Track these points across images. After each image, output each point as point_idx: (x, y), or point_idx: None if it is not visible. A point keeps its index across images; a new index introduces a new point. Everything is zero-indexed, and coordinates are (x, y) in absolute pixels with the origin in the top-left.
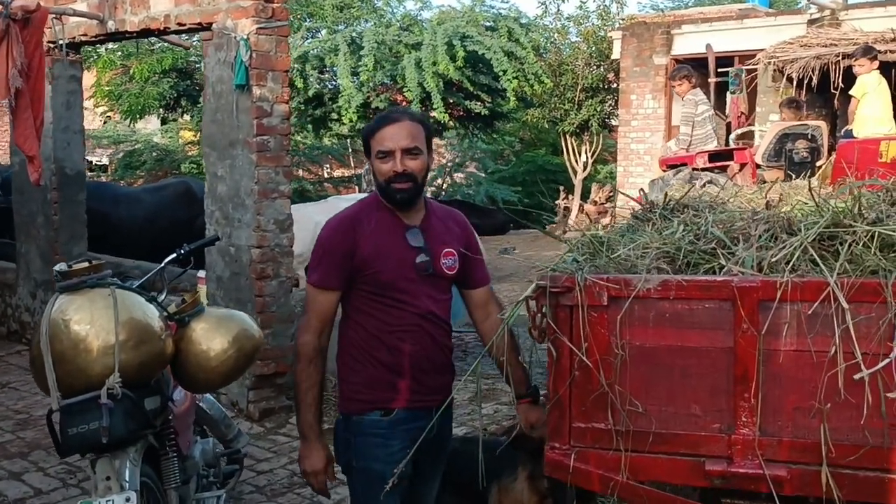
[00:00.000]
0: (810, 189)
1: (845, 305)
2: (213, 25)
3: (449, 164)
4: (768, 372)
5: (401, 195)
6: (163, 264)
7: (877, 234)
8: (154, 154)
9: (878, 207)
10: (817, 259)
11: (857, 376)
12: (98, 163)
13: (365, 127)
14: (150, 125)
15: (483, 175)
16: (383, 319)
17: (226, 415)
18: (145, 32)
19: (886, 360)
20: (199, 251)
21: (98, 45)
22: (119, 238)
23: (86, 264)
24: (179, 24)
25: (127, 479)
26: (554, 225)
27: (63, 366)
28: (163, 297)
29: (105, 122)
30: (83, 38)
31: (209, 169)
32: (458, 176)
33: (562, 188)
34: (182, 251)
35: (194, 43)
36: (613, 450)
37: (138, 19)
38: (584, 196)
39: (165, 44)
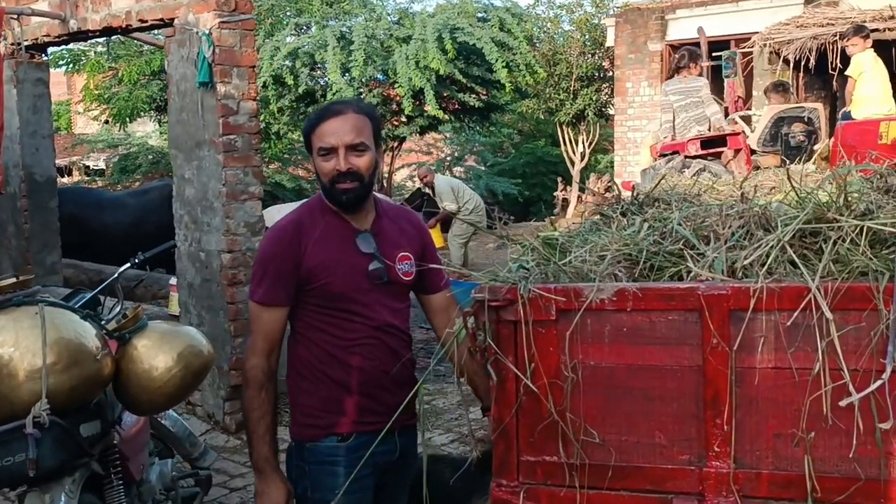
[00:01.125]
0: (789, 177)
1: (829, 315)
2: (175, 21)
3: (448, 159)
4: (743, 394)
5: (346, 196)
6: (117, 273)
7: (865, 228)
8: (150, 157)
9: (867, 197)
10: (796, 260)
11: (843, 402)
12: (95, 167)
13: (305, 121)
14: (145, 128)
15: (483, 168)
16: (336, 334)
17: (190, 432)
18: (108, 31)
19: (879, 382)
20: (170, 258)
21: (86, 48)
22: (104, 244)
23: (12, 280)
24: (141, 21)
25: None
26: (554, 217)
27: None
28: (119, 306)
29: (104, 124)
30: (46, 39)
31: (177, 171)
32: (458, 170)
33: (560, 179)
34: (137, 259)
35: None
36: (568, 487)
37: (100, 17)
38: (583, 187)
39: (154, 46)
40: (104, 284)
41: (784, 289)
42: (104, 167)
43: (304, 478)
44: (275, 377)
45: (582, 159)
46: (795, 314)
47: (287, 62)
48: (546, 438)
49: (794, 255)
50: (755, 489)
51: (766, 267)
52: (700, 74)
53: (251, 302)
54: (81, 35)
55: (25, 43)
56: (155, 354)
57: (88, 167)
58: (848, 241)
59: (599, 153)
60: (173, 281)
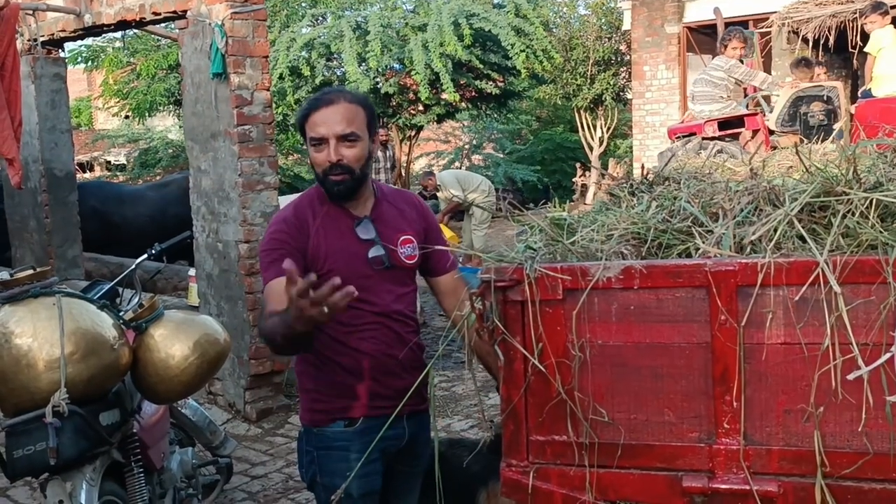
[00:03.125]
0: (797, 152)
1: (837, 289)
2: (188, 13)
3: (466, 147)
4: (752, 370)
5: (337, 188)
6: (134, 265)
7: (875, 201)
8: (170, 151)
9: (878, 171)
10: (805, 234)
11: (851, 376)
12: (116, 162)
13: (298, 111)
14: (165, 122)
15: (501, 156)
16: (341, 321)
17: (210, 420)
18: (122, 24)
19: (888, 355)
20: (189, 250)
21: (105, 44)
22: (125, 237)
23: (30, 272)
24: (155, 14)
25: (82, 500)
26: (572, 203)
27: (5, 383)
28: (137, 300)
29: (124, 119)
30: (62, 34)
31: (193, 163)
32: (476, 157)
33: (579, 165)
34: (153, 250)
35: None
36: (577, 466)
37: (114, 11)
38: (605, 172)
39: (169, 39)
40: (122, 276)
41: (792, 263)
42: (125, 162)
43: (313, 463)
44: None
45: (601, 144)
46: (804, 289)
47: (303, 53)
48: (555, 418)
49: (802, 230)
50: (765, 465)
51: (773, 242)
52: (731, 56)
53: (265, 286)
54: (96, 29)
55: (42, 38)
56: (171, 343)
57: (109, 162)
58: (857, 214)
59: (618, 138)
60: (192, 272)
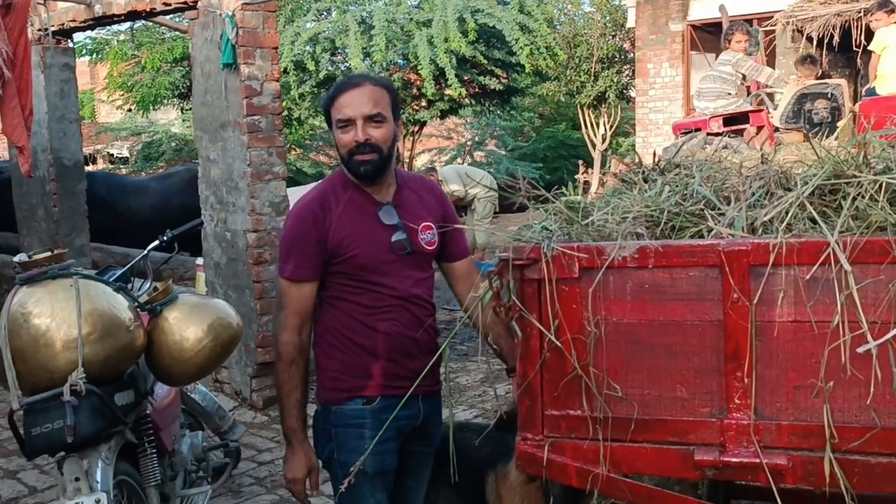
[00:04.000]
0: (808, 138)
1: (847, 267)
2: (199, 3)
3: (468, 143)
4: (763, 347)
5: (364, 168)
6: (146, 251)
7: (884, 184)
8: (173, 144)
9: (886, 156)
10: (816, 216)
11: (860, 349)
12: (119, 155)
13: (324, 95)
14: (168, 115)
15: (503, 152)
16: (362, 303)
17: (219, 406)
18: (133, 15)
19: (895, 331)
20: (196, 238)
21: (109, 37)
22: (129, 228)
23: (47, 254)
24: (165, 4)
25: (98, 479)
26: None
27: (24, 362)
28: (148, 286)
29: (128, 112)
30: (72, 24)
31: (201, 152)
32: (479, 154)
33: (581, 162)
34: (165, 237)
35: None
36: (591, 440)
37: (125, 1)
38: (606, 170)
39: (175, 32)
40: (133, 261)
41: (803, 244)
42: (128, 155)
43: (330, 440)
44: (307, 352)
45: (603, 142)
46: (814, 268)
47: (308, 47)
48: (570, 393)
49: (813, 212)
50: (775, 440)
51: (785, 223)
52: (737, 50)
53: (280, 279)
54: (107, 20)
55: (52, 28)
56: (185, 326)
57: (112, 155)
58: (867, 197)
59: (620, 136)
60: (200, 261)
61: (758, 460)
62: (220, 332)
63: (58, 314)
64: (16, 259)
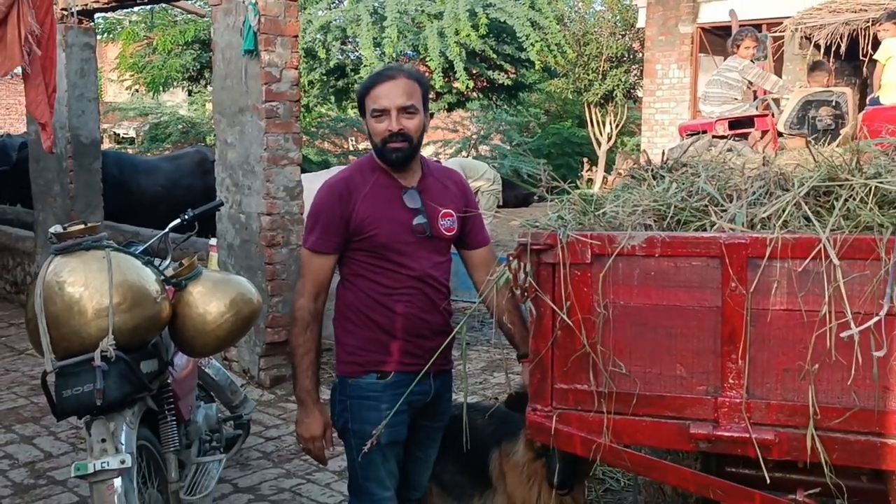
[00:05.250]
0: (808, 144)
1: (836, 262)
2: None
3: (474, 137)
4: (756, 332)
5: (396, 155)
6: (167, 229)
7: (873, 188)
8: (180, 126)
9: (878, 163)
10: (810, 215)
11: (844, 334)
12: (125, 135)
13: (360, 85)
14: (176, 97)
15: (508, 148)
16: (380, 282)
17: (231, 381)
18: None
19: (875, 318)
20: (210, 219)
21: (121, 17)
22: (138, 207)
23: (81, 226)
24: None
25: (123, 441)
26: None
27: (57, 328)
28: (167, 262)
29: (133, 94)
30: (95, 5)
31: (219, 136)
32: (484, 148)
33: (586, 160)
34: (186, 216)
35: (207, 11)
36: (596, 412)
37: None
38: (609, 168)
39: (187, 15)
40: (156, 238)
41: (798, 239)
42: (134, 135)
43: (345, 411)
44: (320, 318)
45: (609, 140)
46: (807, 262)
47: (319, 35)
48: (578, 368)
49: (808, 211)
50: (764, 417)
51: (781, 220)
52: (744, 56)
53: (303, 249)
54: (129, 2)
55: (76, 8)
56: (209, 300)
57: (119, 135)
58: (858, 199)
59: (626, 135)
60: (213, 241)
61: (747, 435)
62: (242, 307)
63: (91, 283)
64: (51, 230)
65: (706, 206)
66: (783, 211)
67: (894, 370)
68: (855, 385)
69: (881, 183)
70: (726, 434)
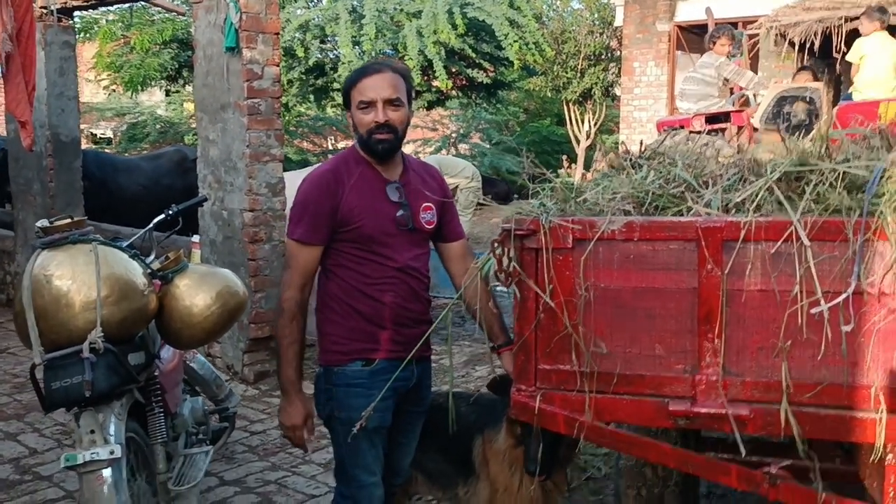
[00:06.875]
0: (783, 139)
1: (807, 243)
2: None
3: (453, 135)
4: (732, 312)
5: (382, 146)
6: (151, 225)
7: (842, 174)
8: (158, 126)
9: (847, 150)
10: (782, 199)
11: (814, 310)
12: (102, 135)
13: (346, 78)
14: (154, 97)
15: (487, 146)
16: (363, 273)
17: (217, 375)
18: None
19: (843, 296)
20: (193, 215)
21: (98, 16)
22: (118, 205)
23: (68, 220)
24: None
25: (112, 432)
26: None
27: (45, 321)
28: (151, 258)
29: (110, 95)
30: (74, 3)
31: (201, 133)
32: (463, 147)
33: (565, 157)
34: (170, 211)
35: (187, 10)
36: (578, 391)
37: None
38: (588, 166)
39: (165, 14)
40: (140, 233)
41: (770, 222)
42: (111, 136)
43: (331, 399)
44: (306, 309)
45: (588, 138)
46: (779, 244)
47: (297, 34)
48: (560, 350)
49: (780, 195)
50: (739, 393)
51: (755, 204)
52: (720, 53)
53: (289, 240)
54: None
55: (55, 7)
56: (195, 293)
57: (95, 135)
58: (827, 184)
59: (605, 133)
60: (196, 238)
61: (724, 411)
62: (228, 299)
63: (78, 276)
64: (38, 224)
65: (683, 192)
66: (756, 195)
67: (862, 346)
68: (825, 361)
69: (849, 168)
70: (704, 410)
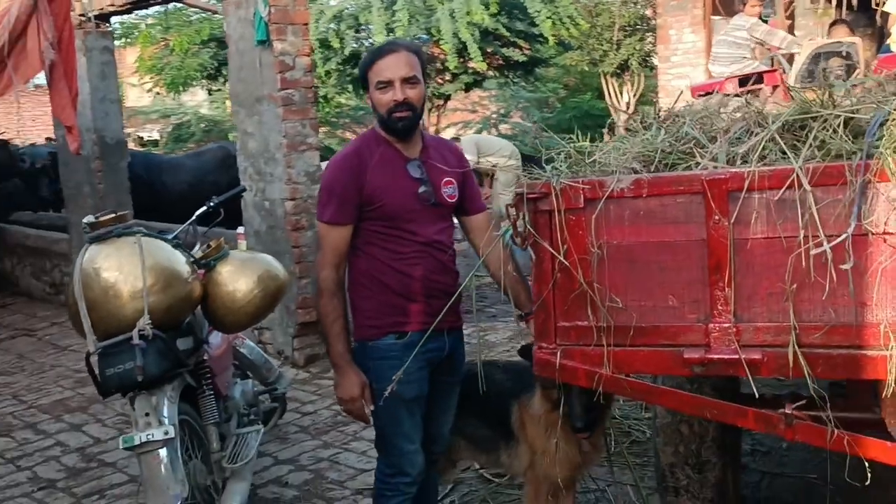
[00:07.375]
0: (788, 88)
1: (808, 188)
2: None
3: (493, 116)
4: (740, 261)
5: (402, 123)
6: (193, 217)
7: (844, 120)
8: (202, 125)
9: (851, 96)
10: (785, 148)
11: (815, 251)
12: (149, 138)
13: (361, 60)
14: (196, 97)
15: (529, 124)
16: (391, 249)
17: (266, 359)
18: None
19: (843, 236)
20: (236, 208)
21: (137, 21)
22: (165, 204)
23: (112, 215)
24: None
25: (165, 414)
26: None
27: (96, 311)
28: (195, 250)
29: (154, 97)
30: (111, 8)
31: (239, 126)
32: (504, 126)
33: (605, 131)
34: (211, 203)
35: (220, 6)
36: (596, 345)
37: None
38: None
39: (202, 14)
40: (183, 227)
41: (773, 171)
42: (158, 137)
43: (368, 372)
44: (343, 286)
45: (628, 110)
46: (782, 191)
47: (332, 25)
48: (577, 307)
49: (783, 145)
50: (751, 339)
51: (758, 154)
52: (751, 14)
53: (320, 222)
54: (143, 3)
55: (92, 13)
56: (237, 278)
57: (142, 138)
58: (831, 131)
59: (646, 104)
60: (241, 230)
61: (737, 356)
62: (269, 283)
63: (124, 268)
64: (85, 220)
65: (691, 148)
66: (760, 146)
67: (868, 286)
68: (833, 302)
69: (849, 113)
70: (717, 357)
